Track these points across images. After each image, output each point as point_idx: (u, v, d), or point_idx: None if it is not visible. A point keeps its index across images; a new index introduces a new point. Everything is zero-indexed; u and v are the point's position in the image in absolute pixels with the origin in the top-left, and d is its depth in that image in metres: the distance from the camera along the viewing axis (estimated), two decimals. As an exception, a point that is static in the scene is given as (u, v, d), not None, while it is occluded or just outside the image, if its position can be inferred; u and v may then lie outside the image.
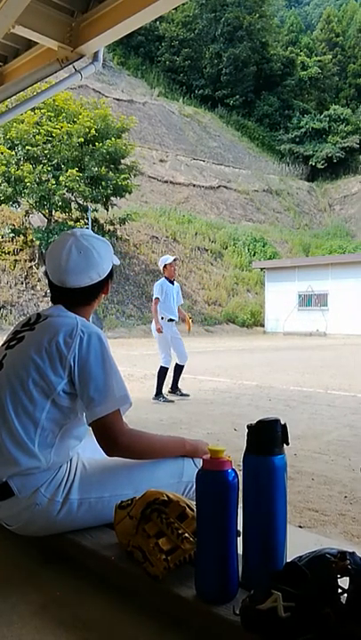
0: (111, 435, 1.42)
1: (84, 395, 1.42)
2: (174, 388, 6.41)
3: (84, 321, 1.51)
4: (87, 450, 1.59)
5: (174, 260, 6.36)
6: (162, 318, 6.19)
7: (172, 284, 6.32)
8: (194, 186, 34.06)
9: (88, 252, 1.57)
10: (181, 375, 6.50)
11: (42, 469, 1.43)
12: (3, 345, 1.59)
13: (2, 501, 1.43)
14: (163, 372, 6.18)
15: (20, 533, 1.52)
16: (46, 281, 1.68)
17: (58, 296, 1.61)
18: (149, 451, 1.53)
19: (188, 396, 6.30)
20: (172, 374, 6.40)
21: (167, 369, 6.22)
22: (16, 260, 19.47)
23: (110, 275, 1.66)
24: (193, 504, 1.30)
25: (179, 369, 6.43)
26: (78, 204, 19.29)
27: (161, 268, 6.38)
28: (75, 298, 1.59)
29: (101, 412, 1.40)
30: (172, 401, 6.04)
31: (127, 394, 1.46)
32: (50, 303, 1.67)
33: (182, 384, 6.52)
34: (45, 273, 1.68)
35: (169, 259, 6.32)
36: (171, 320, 6.28)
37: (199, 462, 1.57)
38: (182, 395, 6.33)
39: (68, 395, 1.45)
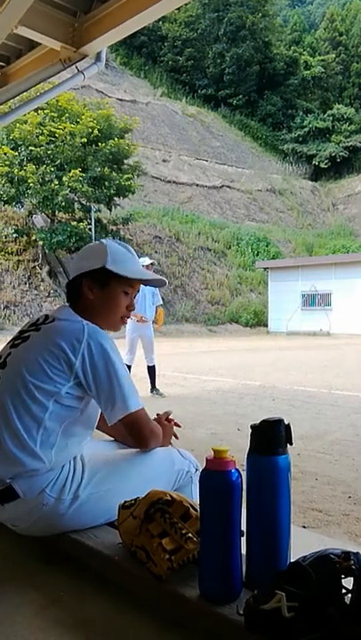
0: (135, 434, 1.54)
1: (99, 399, 1.46)
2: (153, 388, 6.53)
3: (89, 325, 1.48)
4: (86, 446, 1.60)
5: (151, 264, 6.42)
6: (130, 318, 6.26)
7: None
8: (197, 186, 34.04)
9: (83, 250, 1.71)
10: (156, 374, 6.59)
11: (45, 470, 1.43)
12: (8, 343, 1.59)
13: (6, 503, 1.43)
14: (151, 370, 6.43)
15: (25, 534, 1.52)
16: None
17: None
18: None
19: (162, 395, 6.39)
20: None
21: (129, 366, 6.24)
22: (19, 261, 19.49)
23: (90, 274, 1.57)
24: (196, 504, 1.30)
25: (151, 370, 6.52)
26: (81, 204, 19.30)
27: None
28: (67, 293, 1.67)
29: (116, 417, 1.46)
30: (162, 394, 6.29)
31: (137, 399, 1.49)
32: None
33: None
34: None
35: (146, 260, 6.36)
36: (141, 320, 6.32)
37: (183, 451, 1.67)
38: (158, 394, 6.41)
39: (72, 396, 1.45)
